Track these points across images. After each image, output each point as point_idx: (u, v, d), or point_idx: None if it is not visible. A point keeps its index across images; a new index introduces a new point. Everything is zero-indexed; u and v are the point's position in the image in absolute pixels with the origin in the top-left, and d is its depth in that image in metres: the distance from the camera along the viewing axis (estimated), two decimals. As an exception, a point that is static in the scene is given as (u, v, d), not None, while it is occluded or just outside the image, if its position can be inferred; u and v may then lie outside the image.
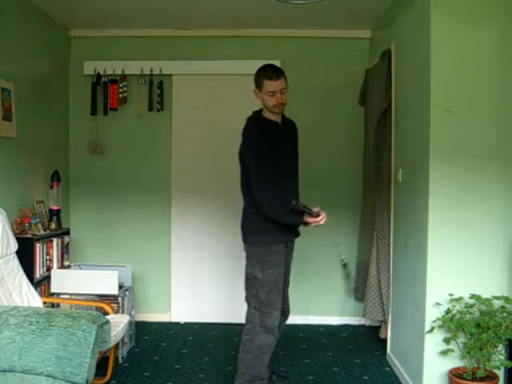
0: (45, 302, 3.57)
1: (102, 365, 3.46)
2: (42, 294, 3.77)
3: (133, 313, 4.23)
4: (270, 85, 3.15)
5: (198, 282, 5.02)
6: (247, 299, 3.29)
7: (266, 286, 3.20)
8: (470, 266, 3.18)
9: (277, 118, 3.29)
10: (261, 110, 3.31)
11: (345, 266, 3.18)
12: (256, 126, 3.27)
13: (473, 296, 3.09)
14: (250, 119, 3.32)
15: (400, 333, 3.79)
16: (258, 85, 3.21)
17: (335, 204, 4.96)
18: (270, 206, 3.13)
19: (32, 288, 3.41)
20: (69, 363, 2.34)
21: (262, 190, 3.13)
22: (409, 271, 3.58)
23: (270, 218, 3.15)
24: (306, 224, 3.14)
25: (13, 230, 3.49)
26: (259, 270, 3.20)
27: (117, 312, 3.83)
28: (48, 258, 3.98)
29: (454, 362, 3.15)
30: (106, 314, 3.46)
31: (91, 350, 2.37)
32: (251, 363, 3.22)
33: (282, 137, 3.28)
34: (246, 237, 3.31)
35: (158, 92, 4.91)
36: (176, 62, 4.90)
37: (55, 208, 4.24)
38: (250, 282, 3.26)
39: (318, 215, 3.10)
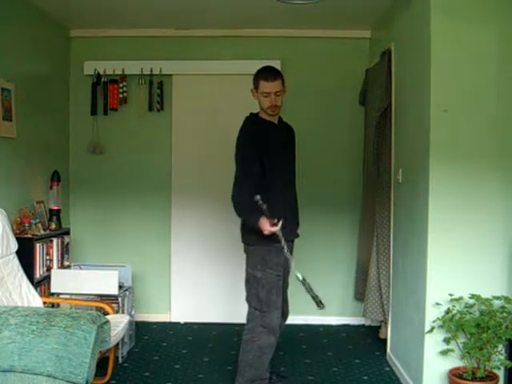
0: (45, 302, 3.56)
1: (102, 365, 3.46)
2: (42, 294, 3.77)
3: (133, 313, 4.23)
4: (265, 86, 3.20)
5: (198, 282, 5.02)
6: (248, 299, 3.30)
7: (266, 285, 3.20)
8: (470, 266, 3.18)
9: (273, 119, 3.33)
10: (258, 112, 3.35)
11: (303, 282, 3.19)
12: (251, 126, 3.30)
13: (473, 296, 3.09)
14: (246, 120, 3.35)
15: (400, 333, 3.79)
16: (255, 84, 3.27)
17: (335, 204, 4.98)
18: (237, 197, 3.16)
19: (32, 288, 3.41)
20: (69, 363, 2.34)
21: (237, 184, 3.19)
22: (409, 271, 3.58)
23: (236, 210, 3.17)
24: (258, 227, 3.05)
25: (13, 230, 3.49)
26: (259, 270, 3.21)
27: (117, 312, 3.83)
28: (48, 258, 3.98)
29: (454, 361, 3.15)
30: (106, 313, 3.46)
31: (91, 350, 2.37)
32: (252, 363, 3.23)
33: (277, 137, 3.31)
34: (245, 237, 3.32)
35: (158, 92, 4.91)
36: (176, 61, 4.90)
37: (55, 208, 4.24)
38: (251, 282, 3.27)
39: (275, 224, 3.05)
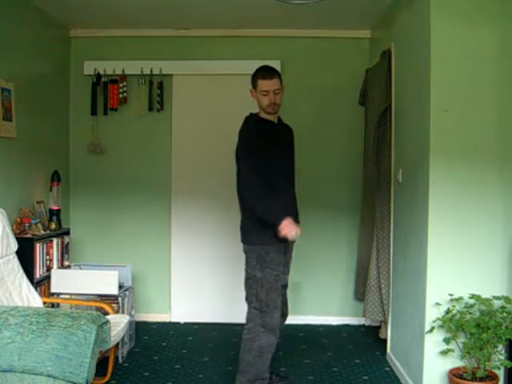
0: (45, 302, 3.57)
1: (101, 365, 3.46)
2: (42, 294, 3.77)
3: (133, 313, 4.23)
4: (263, 84, 3.23)
5: (198, 282, 5.02)
6: (247, 299, 3.30)
7: (266, 285, 3.20)
8: (470, 266, 3.18)
9: (273, 118, 3.34)
10: (258, 112, 3.36)
11: None
12: (253, 125, 3.31)
13: (473, 296, 3.09)
14: (246, 119, 3.36)
15: (400, 333, 3.79)
16: (254, 84, 3.29)
17: (335, 204, 4.98)
18: (255, 198, 3.12)
19: (32, 288, 3.41)
20: (69, 363, 2.34)
21: (249, 186, 3.15)
22: (409, 271, 3.58)
23: (255, 212, 3.14)
24: (278, 227, 3.06)
25: (13, 230, 3.49)
26: (258, 270, 3.21)
27: (117, 312, 3.83)
28: (48, 258, 3.98)
29: (454, 362, 3.15)
30: (106, 313, 3.46)
31: (91, 350, 2.37)
32: (252, 363, 3.23)
33: (277, 136, 3.32)
34: (244, 237, 3.33)
35: (157, 92, 4.91)
36: (176, 62, 4.90)
37: (55, 208, 4.24)
38: (250, 282, 3.27)
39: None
